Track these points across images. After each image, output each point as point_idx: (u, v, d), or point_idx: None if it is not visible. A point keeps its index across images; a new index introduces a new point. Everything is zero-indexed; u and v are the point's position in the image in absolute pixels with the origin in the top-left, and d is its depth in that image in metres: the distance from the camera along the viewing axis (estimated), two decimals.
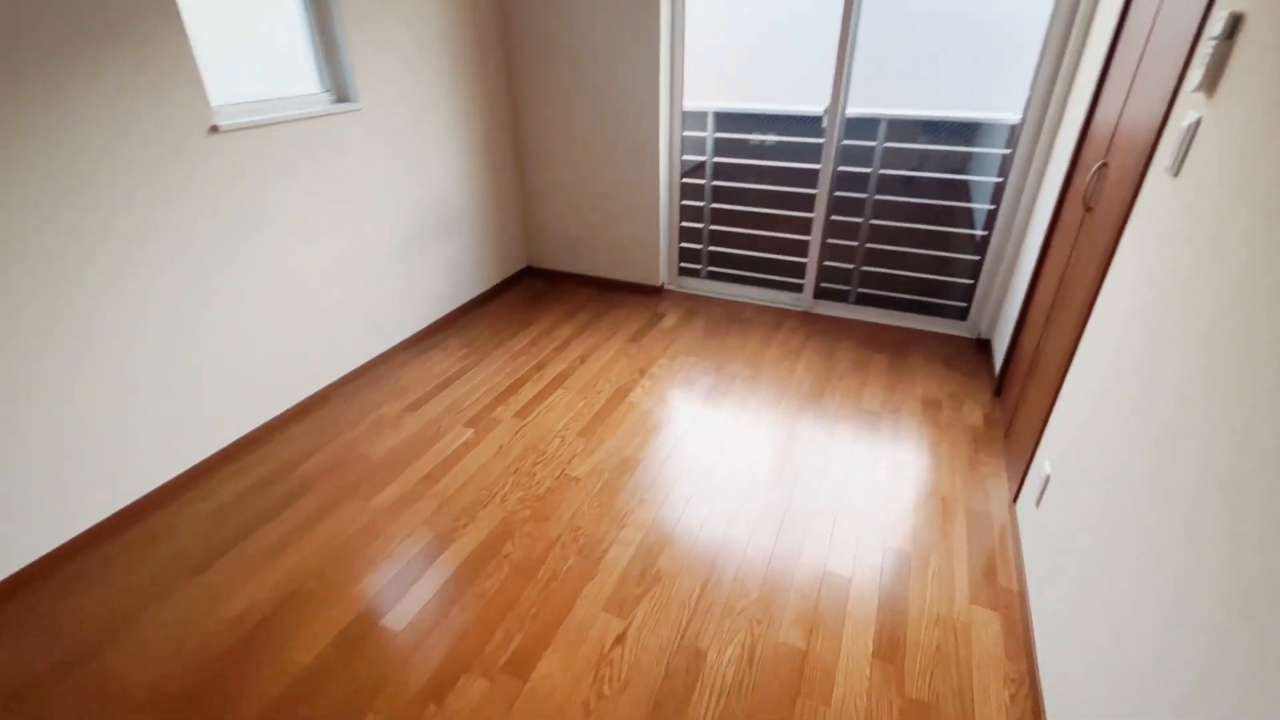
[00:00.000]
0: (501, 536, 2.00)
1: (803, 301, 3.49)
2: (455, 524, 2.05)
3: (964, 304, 3.23)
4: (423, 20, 2.85)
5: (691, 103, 3.34)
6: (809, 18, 2.96)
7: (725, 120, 3.46)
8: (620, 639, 1.66)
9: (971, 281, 3.16)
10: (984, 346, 3.07)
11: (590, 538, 1.99)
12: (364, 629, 1.70)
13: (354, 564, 1.90)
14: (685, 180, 3.53)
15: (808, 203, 3.28)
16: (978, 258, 3.10)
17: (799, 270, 3.47)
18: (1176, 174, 1.34)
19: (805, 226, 3.34)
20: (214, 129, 2.14)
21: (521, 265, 3.99)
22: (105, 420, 1.99)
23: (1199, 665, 0.88)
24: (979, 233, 3.13)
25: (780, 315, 3.45)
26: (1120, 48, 1.97)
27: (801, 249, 3.41)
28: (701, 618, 1.72)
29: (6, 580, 1.82)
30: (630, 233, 3.62)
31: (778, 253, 3.54)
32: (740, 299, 3.64)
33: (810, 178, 3.24)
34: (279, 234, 2.43)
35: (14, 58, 1.64)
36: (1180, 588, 0.97)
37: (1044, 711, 1.44)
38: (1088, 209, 1.93)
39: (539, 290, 3.81)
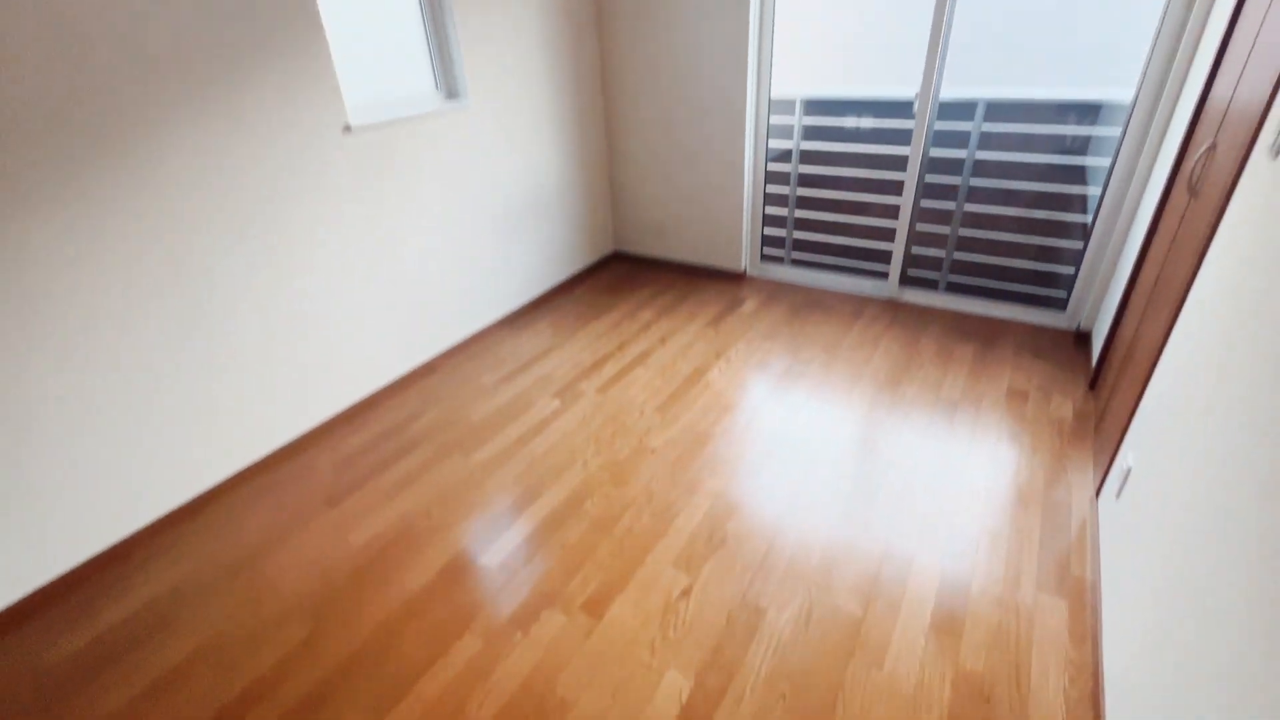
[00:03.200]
0: (582, 495, 2.20)
1: (887, 289, 3.46)
2: (542, 481, 2.28)
3: (1063, 294, 3.09)
4: (524, 22, 3.08)
5: (779, 90, 3.38)
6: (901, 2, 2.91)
7: (813, 106, 3.47)
8: (686, 592, 1.81)
9: (1073, 270, 3.02)
10: (1082, 339, 2.93)
11: (663, 502, 2.14)
12: (464, 563, 1.95)
13: (457, 508, 2.17)
14: (771, 167, 3.58)
15: (897, 188, 3.24)
16: (1081, 244, 2.95)
17: (885, 257, 3.43)
18: (1277, 155, 1.29)
19: (893, 212, 3.30)
20: (347, 128, 2.45)
21: (609, 250, 4.19)
22: (261, 378, 2.37)
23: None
24: (1085, 219, 2.98)
25: (863, 303, 3.43)
26: (1240, 22, 1.86)
27: (889, 235, 3.38)
28: (764, 579, 1.83)
29: (199, 496, 2.24)
30: (714, 219, 3.72)
31: (863, 239, 3.52)
32: (823, 286, 3.65)
33: (900, 163, 3.20)
34: (397, 218, 2.74)
35: (199, 78, 1.99)
36: (1261, 589, 0.93)
37: (1103, 701, 1.45)
38: (1192, 194, 1.84)
39: (625, 274, 3.99)
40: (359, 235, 2.60)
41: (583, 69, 3.53)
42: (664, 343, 3.16)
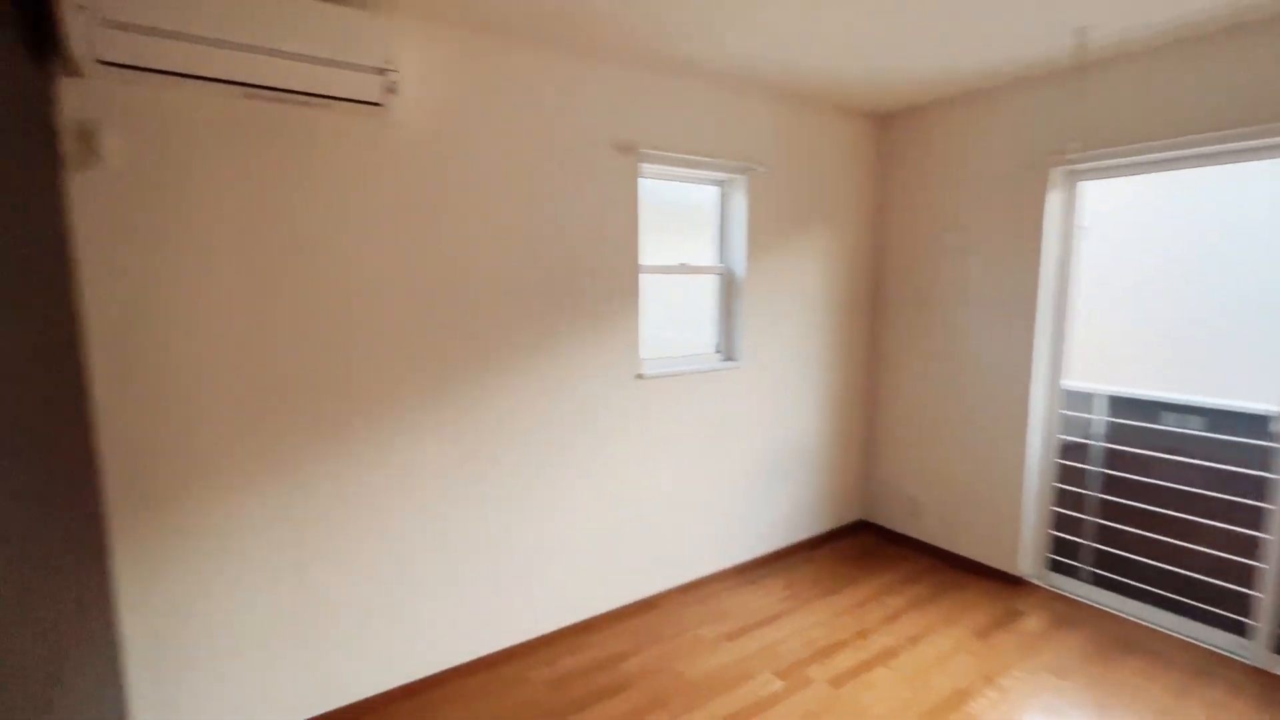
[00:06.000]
0: None
1: (1251, 652, 2.54)
2: None
3: None
4: (800, 311, 3.46)
5: (1075, 382, 3.10)
6: (1255, 293, 2.56)
7: (1121, 405, 3.06)
8: None
9: None
10: None
11: None
12: None
13: None
14: (1063, 462, 3.15)
15: (1248, 515, 2.55)
16: None
17: (1240, 601, 2.59)
18: None
19: (1246, 546, 2.56)
20: (639, 376, 2.89)
21: (855, 517, 3.93)
22: (497, 578, 2.60)
23: None
24: None
25: (1210, 660, 2.56)
26: None
27: (1244, 573, 2.58)
28: None
29: (416, 682, 2.41)
30: (984, 508, 3.30)
31: (1206, 572, 2.73)
32: (1145, 620, 2.85)
33: (1249, 483, 2.55)
34: (659, 457, 3.00)
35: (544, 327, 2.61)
36: None
37: None
38: None
39: (871, 547, 3.65)
40: (622, 470, 2.89)
41: (853, 348, 3.73)
42: (915, 643, 2.69)
